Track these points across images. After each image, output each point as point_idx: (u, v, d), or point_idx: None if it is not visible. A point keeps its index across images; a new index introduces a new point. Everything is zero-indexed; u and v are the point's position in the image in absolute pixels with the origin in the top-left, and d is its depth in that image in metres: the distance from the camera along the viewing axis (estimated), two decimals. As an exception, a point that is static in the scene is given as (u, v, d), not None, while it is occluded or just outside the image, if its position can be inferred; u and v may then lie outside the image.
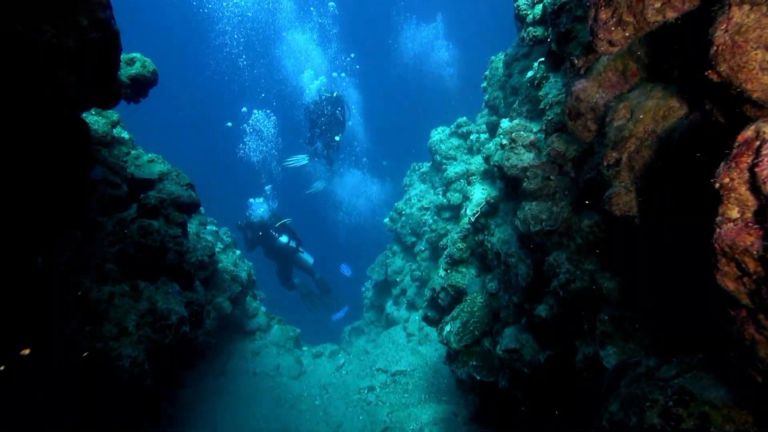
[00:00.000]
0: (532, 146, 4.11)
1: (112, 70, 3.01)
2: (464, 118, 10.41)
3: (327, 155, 12.05)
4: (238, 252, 9.83)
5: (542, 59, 4.40)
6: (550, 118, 3.72)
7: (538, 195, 4.04)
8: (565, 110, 2.92)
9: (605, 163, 2.66)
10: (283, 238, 11.54)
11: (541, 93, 4.03)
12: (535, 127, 4.33)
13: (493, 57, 7.87)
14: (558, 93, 3.86)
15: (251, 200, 11.65)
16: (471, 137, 9.86)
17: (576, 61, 2.78)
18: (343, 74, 14.53)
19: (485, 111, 9.52)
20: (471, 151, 9.89)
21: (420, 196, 11.07)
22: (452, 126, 10.52)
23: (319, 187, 12.51)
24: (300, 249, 11.94)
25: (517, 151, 4.12)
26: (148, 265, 4.51)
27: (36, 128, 2.36)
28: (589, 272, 3.58)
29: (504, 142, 4.29)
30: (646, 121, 2.41)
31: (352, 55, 15.17)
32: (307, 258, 12.17)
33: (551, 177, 3.94)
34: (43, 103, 2.34)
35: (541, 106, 3.93)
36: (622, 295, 3.38)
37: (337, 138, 11.72)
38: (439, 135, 10.51)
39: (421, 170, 11.75)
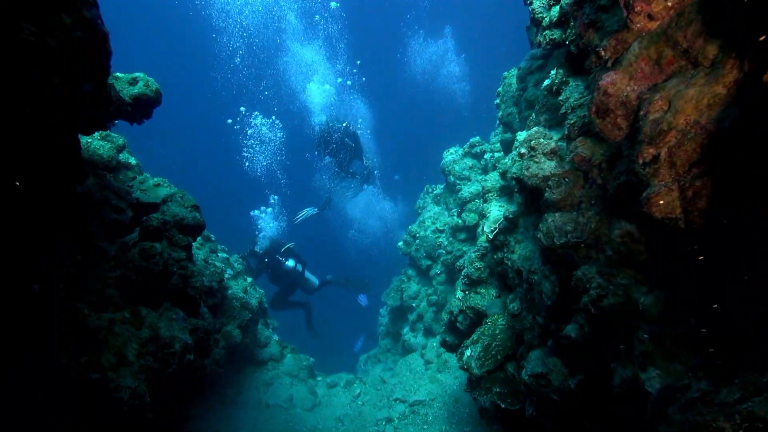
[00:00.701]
0: (553, 154, 3.85)
1: (102, 73, 2.84)
2: (477, 137, 10.22)
3: (348, 175, 12.14)
4: (249, 279, 9.61)
5: (560, 65, 4.19)
6: (572, 122, 3.47)
7: (561, 205, 3.78)
8: (591, 108, 2.68)
9: (641, 161, 2.40)
10: (290, 263, 11.39)
11: (561, 98, 3.80)
12: (555, 136, 4.08)
13: (505, 73, 7.69)
14: (580, 96, 3.62)
15: (254, 212, 11.48)
16: (485, 156, 9.64)
17: (603, 53, 2.55)
18: (348, 82, 14.37)
19: (499, 129, 9.32)
20: (485, 171, 9.66)
21: (434, 218, 10.82)
22: (465, 146, 10.33)
23: (309, 212, 12.34)
24: (306, 272, 11.85)
25: (537, 160, 3.87)
26: (151, 290, 4.29)
27: (14, 134, 2.19)
28: (623, 286, 3.28)
29: (522, 151, 4.04)
30: (687, 112, 2.16)
31: (359, 62, 15.00)
32: (313, 280, 12.04)
33: (575, 185, 3.68)
34: (23, 107, 2.16)
35: (562, 111, 3.69)
36: (661, 310, 3.07)
37: (367, 163, 11.88)
38: (451, 156, 10.32)
39: (435, 192, 11.53)
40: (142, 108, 4.63)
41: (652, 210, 2.33)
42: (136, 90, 4.55)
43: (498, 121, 8.59)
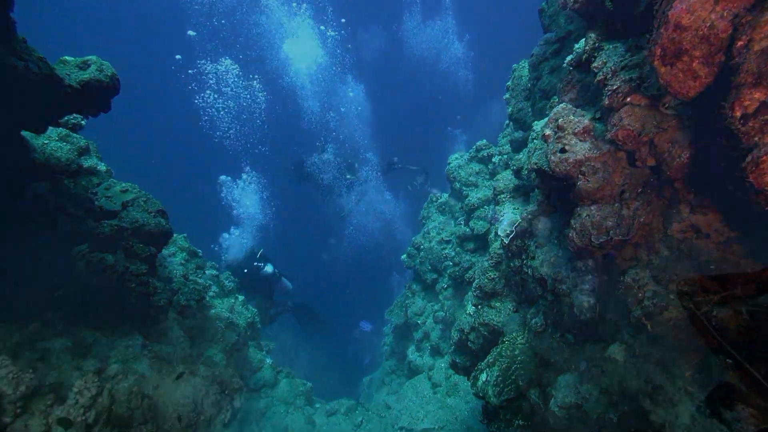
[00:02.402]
0: (586, 134, 3.13)
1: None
2: (484, 140, 9.51)
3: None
4: (241, 297, 8.85)
5: (589, 30, 3.48)
6: (615, 87, 2.76)
7: (599, 196, 3.04)
8: (655, 51, 1.96)
9: (738, 114, 1.68)
10: (269, 268, 10.88)
11: (595, 63, 3.08)
12: (587, 114, 3.36)
13: (515, 65, 7.00)
14: (621, 59, 2.90)
15: (222, 177, 10.79)
16: (493, 160, 8.93)
17: (672, -30, 1.84)
18: (331, 32, 13.37)
19: (509, 129, 8.62)
20: (493, 176, 8.94)
21: (439, 228, 10.08)
22: (471, 150, 9.63)
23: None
24: (282, 276, 11.42)
25: (566, 141, 3.14)
26: (102, 310, 3.56)
27: None
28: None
29: (548, 132, 3.32)
30: (820, 28, 1.44)
31: (343, 20, 14.01)
32: (288, 284, 11.64)
33: (616, 170, 2.94)
34: None
35: (599, 78, 2.97)
36: (744, 326, 2.31)
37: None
38: (457, 161, 9.61)
39: (439, 201, 10.80)
40: (94, 96, 3.91)
41: (763, 181, 1.60)
42: (86, 75, 3.86)
43: (507, 119, 7.89)
